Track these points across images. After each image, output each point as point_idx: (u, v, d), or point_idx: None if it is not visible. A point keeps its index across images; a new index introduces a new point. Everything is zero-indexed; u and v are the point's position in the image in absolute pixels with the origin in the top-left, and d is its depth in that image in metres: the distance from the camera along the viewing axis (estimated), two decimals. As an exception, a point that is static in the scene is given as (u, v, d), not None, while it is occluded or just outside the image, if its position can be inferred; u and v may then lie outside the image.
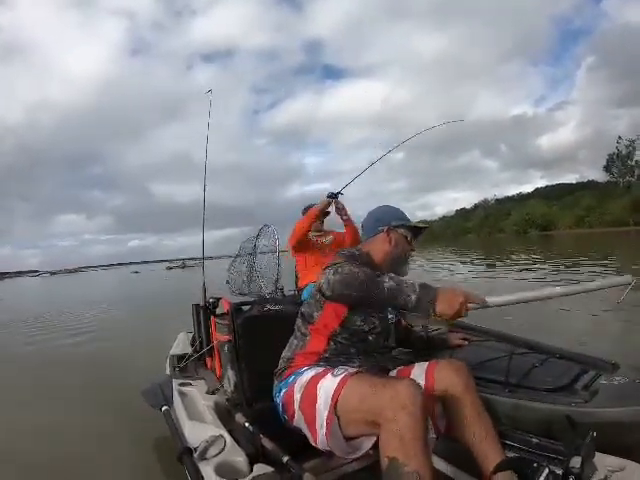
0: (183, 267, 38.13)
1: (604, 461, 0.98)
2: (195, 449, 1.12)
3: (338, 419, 1.00)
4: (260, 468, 1.03)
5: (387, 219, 1.35)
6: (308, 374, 1.15)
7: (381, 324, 1.27)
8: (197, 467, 1.06)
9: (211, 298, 1.95)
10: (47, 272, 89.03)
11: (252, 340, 1.46)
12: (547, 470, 0.84)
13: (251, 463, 1.07)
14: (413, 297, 0.99)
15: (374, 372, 1.17)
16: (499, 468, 0.89)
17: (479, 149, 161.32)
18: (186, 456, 1.11)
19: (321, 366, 1.18)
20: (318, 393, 1.06)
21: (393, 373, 1.27)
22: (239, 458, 1.09)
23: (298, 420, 1.13)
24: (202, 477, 1.03)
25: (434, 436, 1.16)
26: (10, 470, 1.64)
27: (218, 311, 1.86)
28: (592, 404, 1.27)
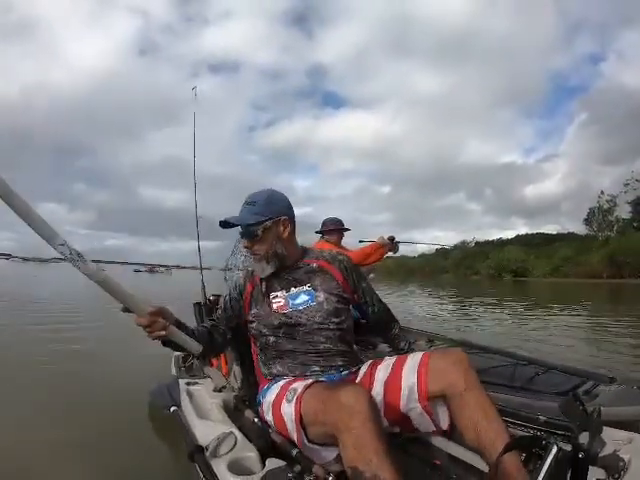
0: (151, 272, 38.65)
1: (612, 435, 0.99)
2: (206, 447, 1.11)
3: (307, 436, 1.01)
4: (272, 462, 1.02)
5: None
6: (269, 397, 1.18)
7: (284, 317, 1.22)
8: (209, 465, 1.05)
9: (212, 296, 1.94)
10: (19, 258, 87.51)
11: None
12: (556, 447, 0.82)
13: (263, 458, 1.06)
14: None
15: (338, 376, 1.18)
16: (509, 448, 0.86)
17: (465, 191, 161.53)
18: (198, 455, 1.10)
19: (277, 382, 1.20)
20: (284, 419, 1.08)
21: (385, 366, 1.18)
22: (251, 454, 1.08)
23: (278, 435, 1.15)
24: (215, 475, 1.02)
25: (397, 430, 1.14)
26: (21, 469, 1.62)
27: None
28: (593, 405, 1.31)
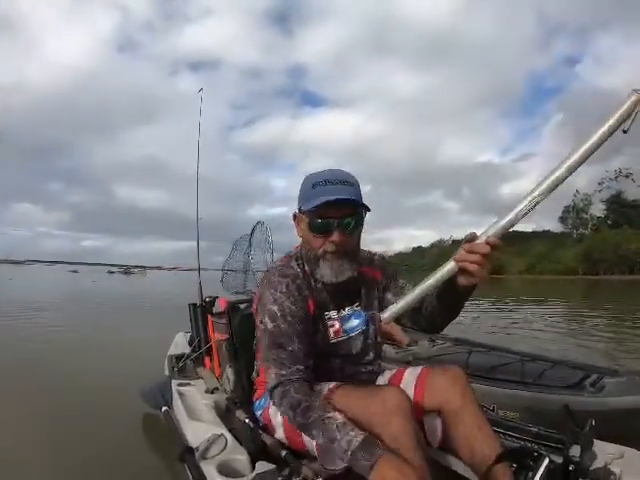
0: (126, 273, 39.73)
1: (603, 449, 0.99)
2: (196, 449, 1.12)
3: None
4: (262, 465, 1.03)
5: (299, 199, 1.01)
6: None
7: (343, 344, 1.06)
8: (199, 466, 1.06)
9: (207, 297, 1.95)
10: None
11: (250, 338, 1.47)
12: (547, 459, 0.83)
13: (253, 461, 1.07)
14: (340, 465, 0.86)
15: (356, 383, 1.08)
16: (500, 458, 0.87)
17: (443, 190, 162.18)
18: (188, 456, 1.10)
19: None
20: None
21: (383, 378, 1.13)
22: (241, 456, 1.09)
23: (283, 439, 1.09)
24: (204, 476, 1.03)
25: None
26: (13, 476, 1.60)
27: (215, 310, 1.86)
28: (602, 395, 1.40)
